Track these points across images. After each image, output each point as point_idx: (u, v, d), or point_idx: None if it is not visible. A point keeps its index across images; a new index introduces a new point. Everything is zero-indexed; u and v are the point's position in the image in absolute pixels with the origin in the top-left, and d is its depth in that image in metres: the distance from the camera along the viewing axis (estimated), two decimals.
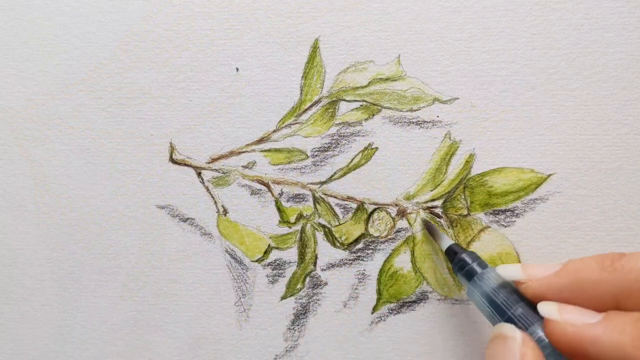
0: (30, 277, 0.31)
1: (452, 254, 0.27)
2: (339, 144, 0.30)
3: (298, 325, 0.30)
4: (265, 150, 0.30)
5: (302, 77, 0.30)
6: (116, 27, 0.31)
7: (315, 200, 0.30)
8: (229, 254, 0.31)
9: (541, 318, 0.21)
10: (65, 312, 0.31)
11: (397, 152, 0.30)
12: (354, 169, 0.30)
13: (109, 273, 0.31)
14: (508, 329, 0.21)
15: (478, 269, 0.25)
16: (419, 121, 0.30)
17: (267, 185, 0.30)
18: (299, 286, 0.30)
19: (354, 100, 0.30)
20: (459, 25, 0.29)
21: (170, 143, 0.31)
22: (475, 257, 0.26)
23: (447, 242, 0.28)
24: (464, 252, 0.26)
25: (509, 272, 0.23)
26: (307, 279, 0.30)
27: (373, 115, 0.30)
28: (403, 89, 0.30)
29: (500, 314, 0.23)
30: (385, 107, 0.30)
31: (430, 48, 0.29)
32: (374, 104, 0.30)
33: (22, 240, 0.31)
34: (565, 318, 0.19)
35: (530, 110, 0.29)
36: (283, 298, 0.30)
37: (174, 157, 0.31)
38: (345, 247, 0.30)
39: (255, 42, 0.30)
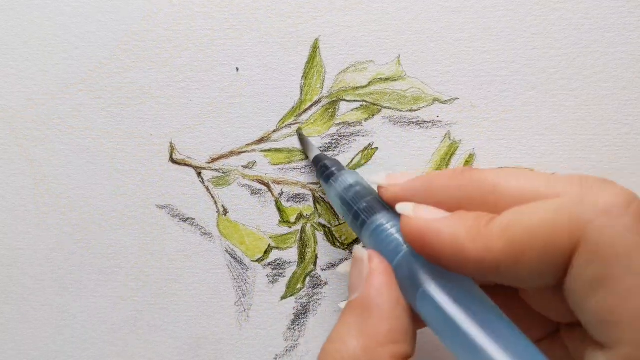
0: (30, 277, 0.31)
1: (317, 163, 0.28)
2: (339, 144, 0.30)
3: (298, 325, 0.30)
4: (265, 150, 0.30)
5: (302, 77, 0.30)
6: (116, 27, 0.31)
7: (316, 200, 0.30)
8: (229, 253, 0.31)
9: (384, 209, 0.23)
10: (65, 312, 0.31)
11: (397, 152, 0.30)
12: (354, 169, 0.30)
13: (109, 273, 0.31)
14: (357, 250, 0.22)
15: (335, 172, 0.26)
16: (418, 121, 0.30)
17: (267, 185, 0.30)
18: (299, 286, 0.30)
19: (354, 100, 0.30)
20: (459, 25, 0.29)
21: (170, 143, 0.31)
22: (336, 163, 0.27)
23: (314, 152, 0.28)
24: (326, 159, 0.28)
25: (372, 177, 0.24)
26: (307, 279, 0.30)
27: (373, 115, 0.30)
28: (403, 89, 0.30)
29: (349, 209, 0.24)
30: (385, 107, 0.30)
31: (430, 48, 0.29)
32: (374, 104, 0.30)
33: (22, 240, 0.31)
34: (418, 214, 0.20)
35: (530, 110, 0.29)
36: (283, 298, 0.30)
37: (174, 157, 0.31)
38: (346, 247, 0.30)
39: (256, 42, 0.30)
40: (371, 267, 0.21)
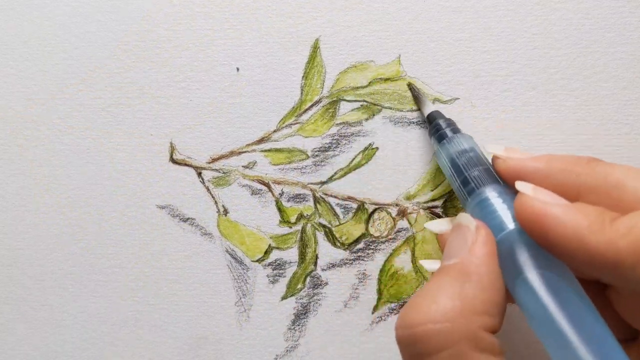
0: (30, 277, 0.31)
1: (431, 121, 0.27)
2: (339, 144, 0.30)
3: (298, 325, 0.30)
4: (265, 150, 0.30)
5: (303, 77, 0.30)
6: (116, 27, 0.31)
7: (316, 200, 0.30)
8: (229, 254, 0.31)
9: (496, 181, 0.22)
10: (65, 312, 0.31)
11: (397, 152, 0.30)
12: (355, 169, 0.30)
13: (109, 273, 0.31)
14: (464, 217, 0.21)
15: (449, 134, 0.26)
16: (419, 121, 0.30)
17: (267, 185, 0.30)
18: (299, 286, 0.30)
19: (355, 100, 0.30)
20: (460, 25, 0.29)
21: (171, 143, 0.31)
22: (451, 123, 0.26)
23: (429, 108, 0.28)
24: (441, 118, 0.27)
25: (490, 146, 0.23)
26: (308, 279, 0.30)
27: (373, 115, 0.30)
28: (403, 89, 0.30)
29: (459, 174, 0.24)
30: (385, 107, 0.30)
31: (430, 48, 0.29)
32: (375, 104, 0.30)
33: (22, 240, 0.31)
34: (537, 196, 0.19)
35: (530, 110, 0.29)
36: (283, 298, 0.30)
37: (174, 157, 0.31)
38: (346, 247, 0.30)
39: (256, 42, 0.30)
40: (477, 236, 0.20)
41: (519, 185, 0.20)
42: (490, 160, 0.24)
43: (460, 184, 0.24)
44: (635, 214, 0.18)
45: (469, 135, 0.26)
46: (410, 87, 0.29)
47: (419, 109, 0.29)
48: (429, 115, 0.28)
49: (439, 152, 0.26)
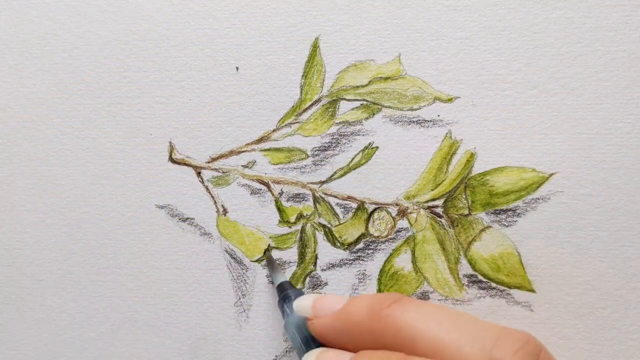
0: (29, 277, 0.31)
1: (281, 291, 0.28)
2: (339, 143, 0.30)
3: None
4: (265, 150, 0.30)
5: (302, 76, 0.30)
6: (115, 26, 0.31)
7: (316, 199, 0.30)
8: (228, 254, 0.30)
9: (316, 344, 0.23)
10: (64, 313, 0.31)
11: (397, 151, 0.30)
12: (355, 169, 0.30)
13: (108, 273, 0.31)
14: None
15: (287, 309, 0.27)
16: (419, 120, 0.30)
17: (267, 184, 0.30)
18: (299, 286, 0.30)
19: (355, 100, 0.30)
20: (460, 23, 0.29)
21: (170, 142, 0.31)
22: (295, 293, 0.27)
23: (280, 278, 0.29)
24: (289, 289, 0.28)
25: (302, 307, 0.24)
26: (307, 279, 0.30)
27: (373, 114, 0.30)
28: (404, 88, 0.30)
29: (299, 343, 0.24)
30: (385, 106, 0.30)
31: (431, 47, 0.29)
32: (375, 103, 0.30)
33: (21, 240, 0.31)
34: None
35: (531, 109, 0.29)
36: None
37: (173, 156, 0.31)
38: (346, 247, 0.30)
39: (255, 41, 0.30)
40: None
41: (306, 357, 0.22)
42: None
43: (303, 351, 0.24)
44: None
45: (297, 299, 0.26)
46: (268, 255, 0.30)
47: (272, 277, 0.30)
48: (278, 285, 0.29)
49: (288, 324, 0.26)
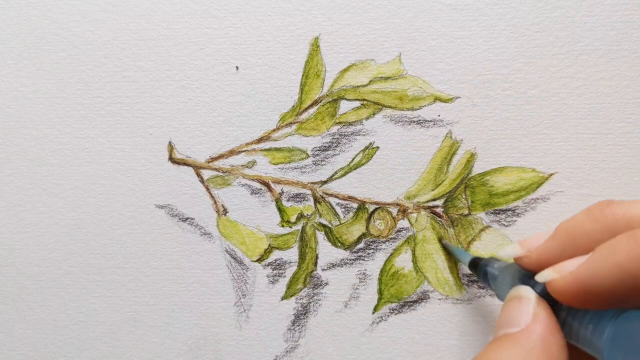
0: (28, 277, 0.31)
1: (474, 266, 0.27)
2: (339, 143, 0.30)
3: (298, 325, 0.30)
4: (265, 150, 0.30)
5: (303, 75, 0.30)
6: (115, 26, 0.30)
7: (316, 199, 0.30)
8: (229, 254, 0.30)
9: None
10: (63, 313, 0.31)
11: (398, 151, 0.30)
12: (355, 169, 0.30)
13: (108, 273, 0.31)
14: (524, 290, 0.21)
15: (493, 271, 0.25)
16: (419, 120, 0.29)
17: (267, 184, 0.30)
18: (299, 286, 0.30)
19: (355, 99, 0.30)
20: (461, 23, 0.29)
21: (170, 142, 0.30)
22: (490, 261, 0.26)
23: (467, 257, 0.28)
24: (481, 260, 0.26)
25: (509, 252, 0.23)
26: (308, 279, 0.30)
27: (374, 114, 0.30)
28: (404, 87, 0.29)
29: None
30: (386, 106, 0.30)
31: (431, 46, 0.29)
32: (375, 103, 0.30)
33: (20, 240, 0.31)
34: (561, 271, 0.19)
35: (531, 109, 0.29)
36: (283, 298, 0.30)
37: (173, 156, 0.30)
38: (346, 246, 0.30)
39: (255, 41, 0.30)
40: (539, 308, 0.20)
41: (540, 279, 0.20)
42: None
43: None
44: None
45: (496, 259, 0.26)
46: (443, 242, 0.30)
47: (458, 260, 0.29)
48: (470, 263, 0.27)
49: (498, 286, 0.25)
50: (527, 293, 0.21)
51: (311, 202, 0.30)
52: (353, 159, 0.30)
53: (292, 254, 0.30)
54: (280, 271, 0.30)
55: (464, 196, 0.29)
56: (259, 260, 0.30)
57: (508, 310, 0.21)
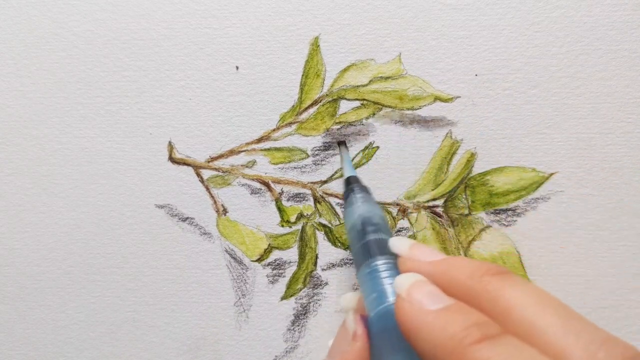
0: (28, 276, 0.31)
1: (348, 184, 0.27)
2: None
3: (298, 325, 0.30)
4: (265, 149, 0.30)
5: (303, 75, 0.30)
6: (115, 25, 0.30)
7: (316, 199, 0.30)
8: (228, 253, 0.30)
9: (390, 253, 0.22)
10: (63, 313, 0.31)
11: (398, 151, 0.30)
12: (355, 168, 0.30)
13: (107, 273, 0.31)
14: (349, 321, 0.22)
15: (361, 199, 0.26)
16: (420, 120, 0.29)
17: (267, 184, 0.30)
18: (299, 286, 0.30)
19: (355, 99, 0.30)
20: (461, 23, 0.29)
21: (170, 142, 0.30)
22: (366, 189, 0.27)
23: (349, 172, 0.28)
24: (357, 183, 0.27)
25: (398, 246, 0.23)
26: (308, 279, 0.30)
27: (374, 114, 0.30)
28: (404, 87, 0.29)
29: (359, 238, 0.24)
30: (386, 106, 0.30)
31: (431, 46, 0.29)
32: (375, 103, 0.30)
33: (20, 239, 0.31)
34: (412, 297, 0.19)
35: (531, 108, 0.29)
36: (283, 298, 0.30)
37: (173, 156, 0.30)
38: (346, 246, 0.30)
39: (255, 40, 0.30)
40: (352, 346, 0.21)
41: (397, 283, 0.20)
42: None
43: (359, 248, 0.24)
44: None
45: (380, 208, 0.26)
46: (340, 144, 0.30)
47: (341, 169, 0.29)
48: (347, 178, 0.28)
49: (347, 214, 0.26)
50: (349, 325, 0.22)
51: (311, 202, 0.30)
52: (353, 158, 0.30)
53: (291, 254, 0.30)
54: (280, 271, 0.30)
55: (464, 196, 0.29)
56: (259, 260, 0.30)
57: (336, 338, 0.23)
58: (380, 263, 0.22)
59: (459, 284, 0.20)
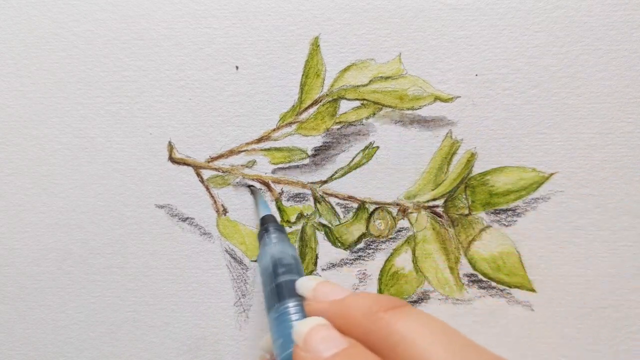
0: (28, 276, 0.31)
1: (263, 223, 0.27)
2: (339, 143, 0.30)
3: None
4: (265, 149, 0.30)
5: (303, 75, 0.30)
6: (115, 25, 0.30)
7: (316, 199, 0.30)
8: (228, 253, 0.30)
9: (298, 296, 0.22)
10: (63, 313, 0.31)
11: (398, 151, 0.30)
12: (355, 168, 0.30)
13: (107, 273, 0.31)
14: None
15: (275, 239, 0.26)
16: (420, 120, 0.29)
17: (267, 184, 0.30)
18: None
19: (355, 99, 0.30)
20: (461, 22, 0.29)
21: (170, 142, 0.30)
22: (280, 229, 0.27)
23: (264, 211, 0.28)
24: (272, 222, 0.27)
25: (304, 287, 0.23)
26: None
27: (374, 113, 0.30)
28: (404, 87, 0.29)
29: (271, 280, 0.24)
30: (386, 106, 0.30)
31: (431, 46, 0.29)
32: (375, 103, 0.30)
33: (20, 239, 0.31)
34: (310, 342, 0.20)
35: (532, 108, 0.29)
36: None
37: (173, 156, 0.30)
38: (346, 246, 0.30)
39: (255, 40, 0.30)
40: None
41: (295, 331, 0.21)
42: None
43: (269, 291, 0.24)
44: None
45: (294, 246, 0.26)
46: (252, 189, 0.30)
47: (256, 208, 0.30)
48: (262, 218, 0.28)
49: (260, 256, 0.26)
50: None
51: (311, 202, 0.30)
52: (353, 158, 0.30)
53: None
54: None
55: (464, 196, 0.29)
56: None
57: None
58: (291, 305, 0.22)
59: (355, 323, 0.20)
